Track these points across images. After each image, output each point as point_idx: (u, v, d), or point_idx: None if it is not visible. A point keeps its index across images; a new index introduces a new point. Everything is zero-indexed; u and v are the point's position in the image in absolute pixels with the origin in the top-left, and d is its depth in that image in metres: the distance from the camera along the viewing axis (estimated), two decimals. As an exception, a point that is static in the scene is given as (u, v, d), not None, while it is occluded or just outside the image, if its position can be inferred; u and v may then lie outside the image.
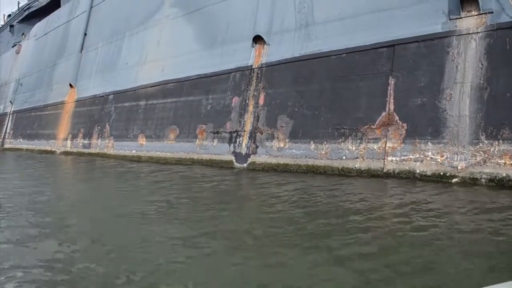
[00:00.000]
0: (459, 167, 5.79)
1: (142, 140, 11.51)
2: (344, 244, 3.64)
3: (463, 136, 5.84)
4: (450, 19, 6.30)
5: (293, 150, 7.68)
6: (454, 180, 5.76)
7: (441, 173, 5.89)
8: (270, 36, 8.79)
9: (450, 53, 6.20)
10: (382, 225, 4.17)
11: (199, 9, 10.84)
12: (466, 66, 6.02)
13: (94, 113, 14.15)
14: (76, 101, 15.51)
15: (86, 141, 14.09)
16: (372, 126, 6.72)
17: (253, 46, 9.09)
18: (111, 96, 13.61)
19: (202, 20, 10.67)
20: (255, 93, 8.72)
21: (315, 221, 4.35)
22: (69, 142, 15.05)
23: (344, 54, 7.40)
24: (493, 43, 5.86)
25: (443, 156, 5.95)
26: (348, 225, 4.17)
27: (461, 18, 6.21)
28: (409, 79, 6.50)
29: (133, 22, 13.43)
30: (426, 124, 6.19)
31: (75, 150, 14.50)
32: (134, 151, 11.65)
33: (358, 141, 6.83)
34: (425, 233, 3.83)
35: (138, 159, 11.28)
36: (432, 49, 6.39)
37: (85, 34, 16.07)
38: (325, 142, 7.24)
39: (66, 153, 14.81)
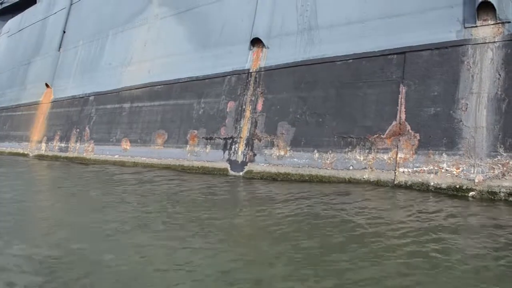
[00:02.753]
0: (476, 180, 5.55)
1: (126, 145, 10.89)
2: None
3: (480, 148, 5.62)
4: (465, 28, 6.11)
5: (295, 159, 7.30)
6: (471, 193, 5.52)
7: (457, 186, 5.64)
8: (270, 39, 8.43)
9: (465, 62, 6.00)
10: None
11: (190, 9, 10.39)
12: (483, 76, 5.82)
13: (73, 115, 13.37)
14: (52, 102, 14.66)
15: (63, 144, 13.28)
16: (381, 136, 6.43)
17: (250, 49, 8.70)
18: (91, 98, 12.90)
19: (194, 21, 10.22)
20: (253, 98, 8.32)
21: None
22: (43, 145, 14.16)
23: (351, 60, 7.11)
24: (511, 53, 5.69)
25: (459, 169, 5.70)
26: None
27: (476, 26, 6.03)
28: (422, 87, 6.26)
29: (117, 20, 12.83)
30: (440, 134, 5.94)
31: (50, 153, 13.65)
32: (116, 156, 11.00)
33: (367, 150, 6.53)
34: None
35: (121, 164, 10.65)
36: (446, 57, 6.17)
37: (64, 32, 15.28)
38: (330, 151, 6.90)
39: (40, 157, 13.93)
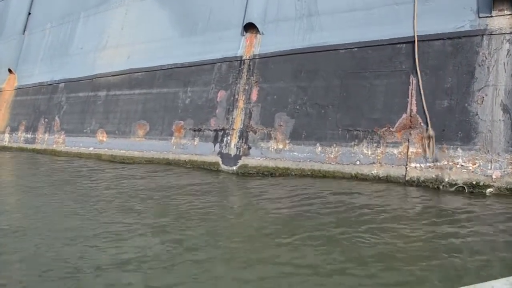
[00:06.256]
0: (493, 176, 5.29)
1: (102, 136, 10.09)
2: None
3: (498, 143, 5.36)
4: (480, 17, 5.83)
5: (295, 153, 6.86)
6: (489, 190, 5.26)
7: (474, 182, 5.37)
8: (265, 24, 7.91)
9: (481, 53, 5.72)
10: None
11: (174, -9, 9.70)
12: (499, 68, 5.56)
13: (40, 103, 12.36)
14: (16, 89, 13.53)
15: (29, 135, 12.26)
16: (391, 129, 6.08)
17: (243, 35, 8.15)
18: (61, 85, 11.94)
19: (179, 3, 9.54)
20: (246, 87, 7.79)
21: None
22: (7, 135, 13.06)
23: (356, 48, 6.72)
24: (529, 44, 5.46)
25: (475, 164, 5.43)
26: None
27: (492, 17, 5.76)
28: (434, 79, 5.94)
29: (89, 1, 11.91)
30: (455, 128, 5.65)
31: (15, 145, 12.59)
32: (91, 148, 10.20)
33: (375, 144, 6.16)
34: None
35: (97, 158, 9.87)
36: (460, 48, 5.87)
37: (29, 14, 14.13)
38: (335, 145, 6.49)
39: (3, 148, 12.82)
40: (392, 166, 5.94)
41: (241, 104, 7.75)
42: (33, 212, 5.24)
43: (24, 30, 14.05)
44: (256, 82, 7.69)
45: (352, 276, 3.18)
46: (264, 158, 7.16)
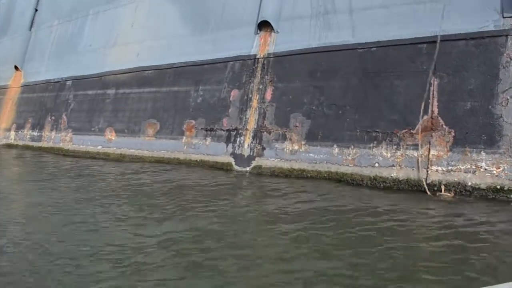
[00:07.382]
0: (519, 181, 5.17)
1: (110, 135, 9.97)
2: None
3: (523, 147, 5.23)
4: (504, 17, 5.69)
5: (311, 154, 6.72)
6: (510, 195, 5.14)
7: (498, 187, 5.23)
8: (279, 22, 7.78)
9: (505, 54, 5.57)
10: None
11: (185, -12, 9.56)
12: (525, 69, 5.43)
13: (47, 101, 12.24)
14: (22, 86, 13.41)
15: (35, 133, 12.14)
16: (411, 131, 5.95)
17: (257, 33, 8.02)
18: (69, 82, 11.82)
19: (190, 0, 9.41)
20: (260, 87, 7.66)
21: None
22: (13, 133, 12.94)
23: (375, 48, 6.58)
24: (556, 45, 5.32)
25: (499, 168, 5.29)
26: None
27: (517, 16, 5.62)
28: (456, 80, 5.80)
29: (98, -2, 11.79)
30: (478, 131, 5.50)
31: (21, 143, 12.47)
32: (100, 147, 10.07)
33: (395, 146, 6.02)
34: None
35: (105, 157, 9.75)
36: (483, 48, 5.73)
37: (36, 10, 14.00)
38: (353, 147, 6.36)
39: (9, 146, 12.71)
40: (413, 169, 5.80)
41: (255, 103, 7.62)
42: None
43: (31, 27, 13.93)
44: (270, 81, 7.56)
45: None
46: (279, 159, 7.02)
